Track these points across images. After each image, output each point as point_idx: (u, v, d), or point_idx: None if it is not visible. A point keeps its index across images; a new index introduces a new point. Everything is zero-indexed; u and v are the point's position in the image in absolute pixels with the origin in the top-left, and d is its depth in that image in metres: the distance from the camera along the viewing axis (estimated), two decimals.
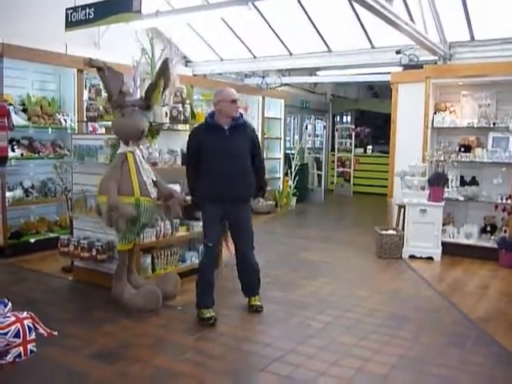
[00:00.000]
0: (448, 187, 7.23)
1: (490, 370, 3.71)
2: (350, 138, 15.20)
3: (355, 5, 7.07)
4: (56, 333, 3.37)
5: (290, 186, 11.74)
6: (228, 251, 5.53)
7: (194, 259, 5.83)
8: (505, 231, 6.96)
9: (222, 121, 4.53)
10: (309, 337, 4.20)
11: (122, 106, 4.64)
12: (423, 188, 7.10)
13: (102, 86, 5.25)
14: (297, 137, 14.69)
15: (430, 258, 6.90)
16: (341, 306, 4.95)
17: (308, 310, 4.81)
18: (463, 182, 7.45)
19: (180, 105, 5.51)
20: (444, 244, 6.99)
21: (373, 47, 8.67)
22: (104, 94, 5.44)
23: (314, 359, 3.77)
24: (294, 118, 14.66)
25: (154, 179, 4.78)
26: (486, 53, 7.46)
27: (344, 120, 16.76)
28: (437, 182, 6.90)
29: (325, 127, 15.35)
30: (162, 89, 4.84)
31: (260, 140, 4.84)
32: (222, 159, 4.45)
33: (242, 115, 4.71)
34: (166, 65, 4.76)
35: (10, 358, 3.30)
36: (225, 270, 5.99)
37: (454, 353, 3.96)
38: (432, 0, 6.99)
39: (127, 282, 4.74)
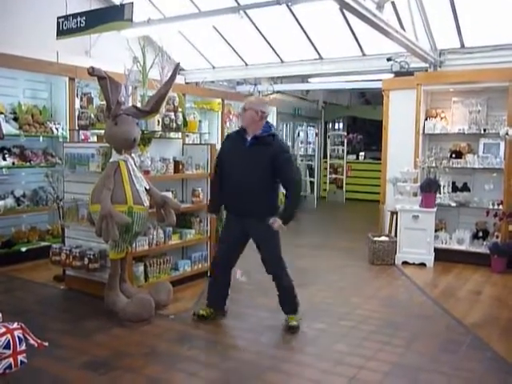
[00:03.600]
0: (440, 193, 7.26)
1: (484, 376, 3.71)
2: (343, 145, 15.24)
3: (346, 13, 7.10)
4: (47, 343, 3.34)
5: (283, 194, 11.71)
6: None
7: (186, 267, 5.81)
8: (497, 237, 6.99)
9: (248, 131, 4.43)
10: (302, 345, 4.18)
11: (115, 114, 4.62)
12: (415, 194, 7.13)
13: (98, 95, 5.26)
14: (289, 144, 14.72)
15: (423, 264, 6.91)
16: (334, 314, 4.94)
17: (302, 318, 4.79)
18: (455, 188, 7.49)
19: (172, 113, 5.51)
20: (436, 250, 7.01)
21: (364, 55, 8.71)
22: (96, 103, 5.43)
23: (308, 367, 3.76)
24: (286, 125, 14.69)
25: (147, 187, 4.76)
26: (476, 59, 7.51)
27: (336, 127, 16.80)
28: (429, 188, 6.92)
29: (317, 134, 15.39)
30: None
31: (291, 161, 4.56)
32: (236, 171, 4.39)
33: (270, 128, 4.45)
34: (176, 69, 4.87)
35: (0, 369, 3.26)
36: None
37: (448, 359, 3.96)
38: (422, 8, 7.04)
39: (119, 292, 4.71)
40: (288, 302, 4.56)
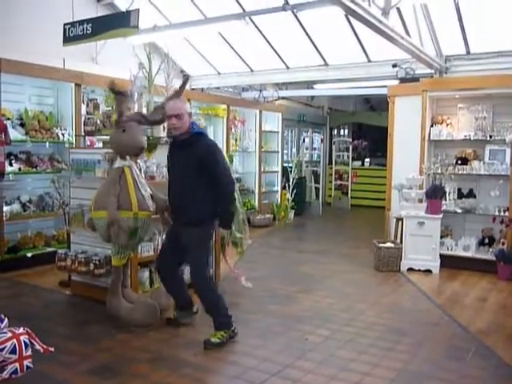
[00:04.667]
0: (445, 200, 7.25)
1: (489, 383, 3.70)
2: (348, 151, 15.23)
3: (351, 19, 7.12)
4: (52, 349, 3.35)
5: (288, 200, 11.74)
6: (227, 264, 5.52)
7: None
8: (503, 243, 6.96)
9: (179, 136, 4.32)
10: (307, 351, 4.17)
11: (125, 121, 4.61)
12: (421, 201, 7.11)
13: (104, 101, 5.27)
14: (294, 150, 14.74)
15: (429, 271, 6.89)
16: (339, 320, 4.93)
17: (306, 324, 4.79)
18: (461, 195, 7.47)
19: None
20: (442, 256, 6.98)
21: (369, 61, 8.73)
22: (102, 109, 5.46)
23: (313, 374, 3.75)
24: (291, 132, 14.72)
25: (150, 192, 4.77)
26: (481, 66, 7.51)
27: (341, 133, 16.81)
28: (434, 194, 6.91)
29: (322, 140, 15.40)
30: None
31: (218, 157, 4.30)
32: (171, 178, 4.42)
33: (194, 127, 4.30)
34: (185, 83, 4.84)
35: (5, 374, 3.27)
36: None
37: (453, 366, 3.94)
38: (428, 14, 7.06)
39: (122, 297, 4.71)
40: (212, 315, 4.34)
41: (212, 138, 7.38)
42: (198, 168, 4.15)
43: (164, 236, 4.90)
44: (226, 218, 4.38)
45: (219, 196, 4.22)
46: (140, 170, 4.98)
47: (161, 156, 5.55)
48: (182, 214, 4.34)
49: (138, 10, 6.26)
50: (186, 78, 5.05)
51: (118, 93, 4.55)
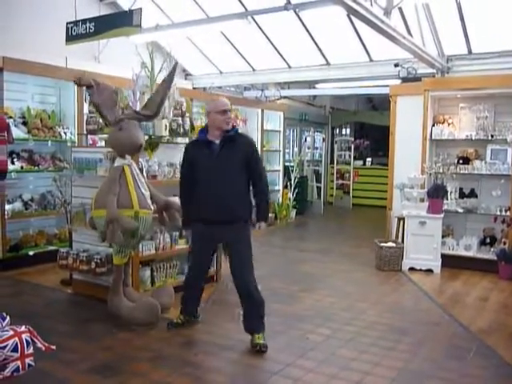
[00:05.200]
0: (447, 199, 7.24)
1: (490, 383, 3.69)
2: (349, 151, 15.23)
3: (353, 19, 7.12)
4: (54, 347, 3.36)
5: (290, 199, 11.74)
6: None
7: None
8: (504, 243, 6.96)
9: (214, 135, 4.23)
10: (308, 350, 4.18)
11: (118, 119, 4.62)
12: (422, 200, 7.11)
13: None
14: (296, 149, 14.74)
15: (430, 271, 6.89)
16: (340, 319, 4.94)
17: (307, 323, 4.79)
18: (462, 194, 7.47)
19: (179, 118, 5.53)
20: (443, 256, 6.98)
21: (371, 60, 8.73)
22: None
23: (314, 372, 3.75)
24: (293, 131, 14.72)
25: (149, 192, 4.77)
26: (483, 66, 7.52)
27: (343, 132, 16.81)
28: (436, 194, 6.91)
29: (324, 139, 15.40)
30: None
31: (259, 154, 4.49)
32: (210, 178, 4.16)
33: (234, 127, 4.30)
34: (174, 70, 4.82)
35: (7, 372, 3.28)
36: (230, 285, 5.98)
37: (454, 365, 3.94)
38: (430, 14, 7.05)
39: (123, 296, 4.72)
40: (257, 318, 4.22)
41: None
42: (243, 164, 4.16)
43: (194, 247, 4.57)
44: (267, 211, 4.42)
45: (261, 190, 4.28)
46: (141, 170, 4.99)
47: (162, 155, 5.57)
48: (226, 212, 4.16)
49: (141, 9, 6.27)
50: (174, 64, 4.96)
51: (85, 86, 4.53)
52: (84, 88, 5.02)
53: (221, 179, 4.14)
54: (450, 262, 6.99)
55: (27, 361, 3.37)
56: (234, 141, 4.19)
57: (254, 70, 10.12)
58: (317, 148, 15.66)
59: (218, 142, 4.19)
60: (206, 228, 4.25)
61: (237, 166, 4.16)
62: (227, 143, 4.17)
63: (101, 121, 5.40)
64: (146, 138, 5.21)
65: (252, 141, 4.38)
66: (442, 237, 7.08)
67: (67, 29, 6.91)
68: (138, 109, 4.94)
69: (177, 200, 5.23)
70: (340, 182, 15.14)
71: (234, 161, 4.16)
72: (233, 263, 4.28)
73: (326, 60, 9.13)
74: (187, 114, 5.72)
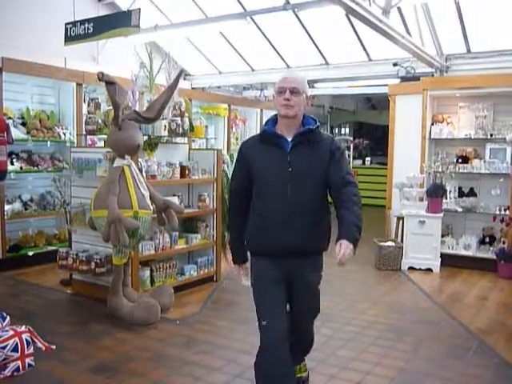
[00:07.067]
0: (446, 198, 7.25)
1: (490, 382, 3.69)
2: (349, 150, 15.22)
3: (352, 18, 7.12)
4: (54, 347, 3.37)
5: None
6: (227, 263, 5.54)
7: (192, 272, 5.82)
8: (503, 242, 6.96)
9: (282, 127, 2.94)
10: None
11: (118, 119, 4.62)
12: (421, 199, 7.11)
13: (106, 101, 5.26)
14: None
15: (429, 270, 6.89)
16: (340, 319, 4.94)
17: None
18: (461, 193, 7.47)
19: (179, 118, 5.53)
20: (443, 255, 6.99)
21: (370, 60, 8.73)
22: (104, 108, 5.46)
23: (314, 372, 3.75)
24: None
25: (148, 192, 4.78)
26: (482, 65, 7.51)
27: (342, 132, 16.81)
28: (435, 193, 6.91)
29: None
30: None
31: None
32: (276, 189, 2.86)
33: (315, 120, 3.04)
34: (179, 76, 4.84)
35: (7, 371, 3.29)
36: (225, 283, 6.00)
37: (454, 365, 3.94)
38: (428, 13, 7.06)
39: (122, 296, 4.73)
40: (301, 354, 3.51)
41: (213, 137, 7.43)
42: (323, 171, 2.88)
43: (260, 298, 3.00)
44: (360, 228, 2.78)
45: (349, 200, 2.81)
46: (141, 170, 4.99)
47: (161, 155, 5.57)
48: (297, 237, 2.86)
49: (139, 9, 6.28)
50: (180, 70, 5.01)
51: (108, 82, 4.54)
52: (84, 88, 5.02)
53: (291, 191, 2.84)
54: (450, 262, 7.00)
55: (27, 361, 3.38)
56: (312, 138, 2.92)
57: (252, 69, 10.12)
58: None
59: (289, 138, 2.90)
60: (274, 263, 2.93)
61: (312, 173, 2.87)
62: (302, 141, 2.90)
63: (100, 121, 5.41)
64: (145, 138, 5.21)
65: (337, 142, 3.02)
66: (442, 236, 7.08)
67: (66, 29, 6.91)
68: (137, 109, 4.94)
69: (175, 200, 5.26)
70: None
71: (309, 166, 2.87)
72: (297, 311, 3.17)
73: (325, 60, 9.13)
74: (186, 115, 5.72)
